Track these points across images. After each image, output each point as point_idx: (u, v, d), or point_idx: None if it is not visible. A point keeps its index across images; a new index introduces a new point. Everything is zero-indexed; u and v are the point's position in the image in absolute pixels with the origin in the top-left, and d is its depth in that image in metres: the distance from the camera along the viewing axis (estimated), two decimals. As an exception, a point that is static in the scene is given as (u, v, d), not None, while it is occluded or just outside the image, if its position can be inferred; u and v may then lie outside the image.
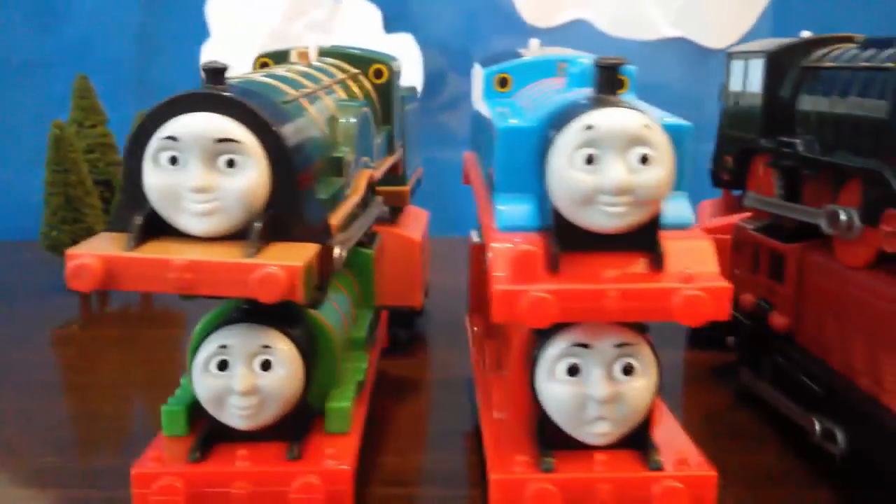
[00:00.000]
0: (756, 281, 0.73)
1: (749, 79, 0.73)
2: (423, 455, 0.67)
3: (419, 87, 1.45)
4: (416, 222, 0.93)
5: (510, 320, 0.46)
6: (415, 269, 0.87)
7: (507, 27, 1.47)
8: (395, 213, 0.90)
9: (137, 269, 0.45)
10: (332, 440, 0.53)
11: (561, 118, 0.47)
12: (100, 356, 0.92)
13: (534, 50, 0.71)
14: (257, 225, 0.46)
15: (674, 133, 0.49)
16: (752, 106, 0.72)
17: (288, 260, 0.44)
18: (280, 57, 0.69)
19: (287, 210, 0.48)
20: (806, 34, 0.73)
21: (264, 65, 0.70)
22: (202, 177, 0.46)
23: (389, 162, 0.72)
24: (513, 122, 0.51)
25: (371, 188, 0.72)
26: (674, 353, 0.92)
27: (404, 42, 1.47)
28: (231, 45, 1.53)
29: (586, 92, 0.48)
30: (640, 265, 0.47)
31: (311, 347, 0.53)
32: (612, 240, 0.47)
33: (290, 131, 0.48)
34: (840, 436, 0.58)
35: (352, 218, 0.61)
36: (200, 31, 1.46)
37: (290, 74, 0.58)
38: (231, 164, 0.46)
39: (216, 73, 0.47)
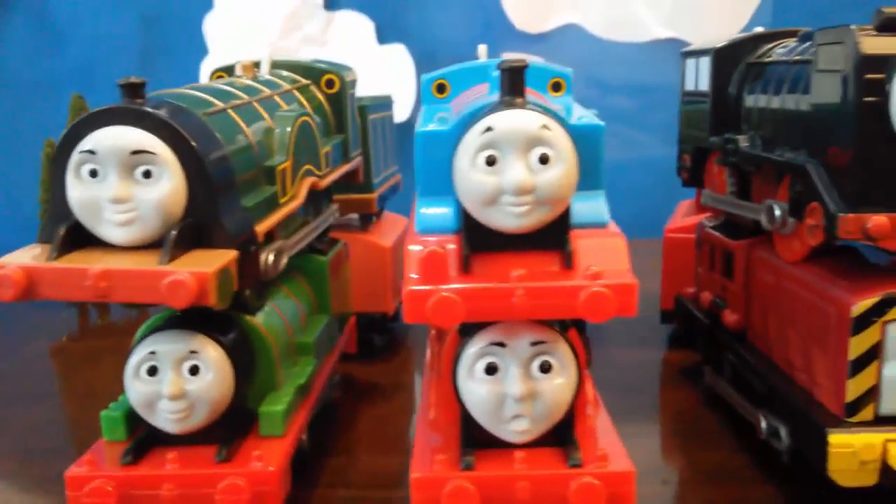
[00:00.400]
0: (713, 279, 0.73)
1: (700, 77, 0.73)
2: (377, 458, 0.67)
3: (412, 97, 1.46)
4: (391, 229, 0.94)
5: (420, 320, 0.46)
6: (385, 275, 0.88)
7: (500, 35, 1.48)
8: (368, 220, 0.91)
9: (56, 278, 0.46)
10: (265, 443, 0.54)
11: (469, 122, 0.48)
12: (86, 366, 0.94)
13: (482, 56, 0.71)
14: (172, 233, 0.47)
15: (585, 132, 0.50)
16: (703, 104, 0.72)
17: (199, 266, 0.46)
18: (233, 71, 0.71)
19: (207, 218, 0.49)
20: (758, 30, 0.73)
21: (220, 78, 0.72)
22: (119, 188, 0.47)
23: (342, 170, 0.73)
24: (429, 127, 0.51)
25: (326, 196, 0.73)
26: (653, 354, 0.92)
27: (397, 53, 1.49)
28: (229, 61, 1.57)
29: (495, 95, 0.49)
30: (550, 264, 0.48)
31: (245, 352, 0.54)
32: (523, 239, 0.48)
33: (208, 142, 0.49)
34: (783, 433, 0.58)
35: (294, 225, 0.63)
36: (200, 49, 1.49)
37: (225, 87, 0.59)
38: (147, 174, 0.48)
39: (133, 87, 0.49)
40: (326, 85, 0.73)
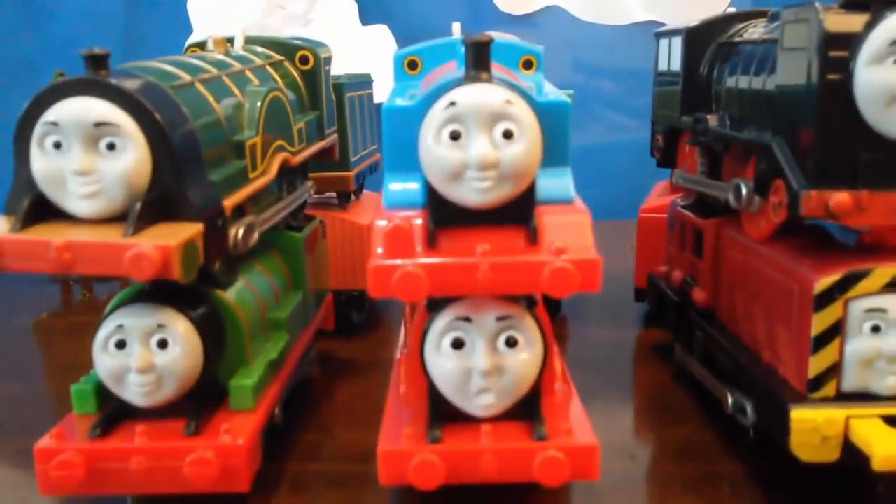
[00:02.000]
0: (684, 258, 0.72)
1: (672, 57, 0.72)
2: (351, 433, 0.67)
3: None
4: (369, 208, 0.93)
5: (385, 295, 0.46)
6: (362, 253, 0.87)
7: (482, 16, 1.47)
8: (346, 198, 0.90)
9: (20, 250, 0.46)
10: (234, 417, 0.53)
11: (434, 97, 0.47)
12: (67, 341, 0.93)
13: (456, 33, 0.70)
14: (136, 206, 0.46)
15: (551, 109, 0.49)
16: (675, 84, 0.71)
17: (162, 239, 0.45)
18: (206, 46, 0.69)
19: (172, 192, 0.48)
20: (730, 10, 0.72)
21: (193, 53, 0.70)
22: (83, 160, 0.46)
23: (317, 147, 0.72)
24: (396, 102, 0.51)
25: (301, 173, 0.72)
26: (627, 331, 0.91)
27: (380, 33, 1.47)
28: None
29: (462, 71, 0.48)
30: (515, 239, 0.47)
31: (214, 326, 0.54)
32: (488, 215, 0.47)
33: (173, 114, 0.48)
34: (749, 409, 0.57)
35: (266, 201, 0.62)
36: (183, 27, 1.47)
37: (195, 61, 0.58)
38: (111, 146, 0.47)
39: (97, 59, 0.48)
40: (301, 61, 0.72)
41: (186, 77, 0.53)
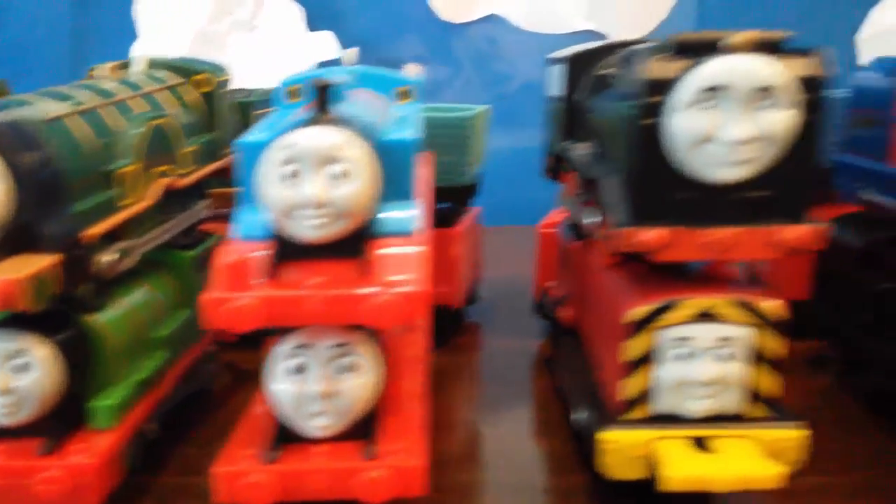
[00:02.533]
0: (564, 275, 0.76)
1: (559, 83, 0.75)
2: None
3: (339, 85, 1.47)
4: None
5: (219, 326, 0.49)
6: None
7: (425, 24, 1.50)
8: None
9: None
10: (93, 436, 0.56)
11: (280, 136, 0.50)
12: None
13: (349, 60, 0.73)
14: (-8, 239, 0.49)
15: (395, 147, 0.52)
16: (558, 111, 0.74)
17: (8, 273, 0.48)
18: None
19: (31, 224, 0.51)
20: (615, 40, 0.75)
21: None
22: (-52, 194, 0.49)
23: (211, 168, 0.75)
24: (251, 137, 0.54)
25: (196, 193, 0.75)
26: (528, 343, 0.94)
27: (326, 40, 1.50)
28: (158, 45, 1.57)
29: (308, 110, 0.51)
30: (350, 272, 0.50)
31: (79, 349, 0.57)
32: (331, 248, 0.50)
33: (34, 150, 0.51)
34: (584, 425, 0.60)
35: (147, 225, 0.65)
36: (131, 31, 1.49)
37: (77, 92, 0.60)
38: (-23, 182, 0.50)
39: (-32, 97, 0.51)
40: (199, 84, 0.75)
41: (64, 109, 0.56)
